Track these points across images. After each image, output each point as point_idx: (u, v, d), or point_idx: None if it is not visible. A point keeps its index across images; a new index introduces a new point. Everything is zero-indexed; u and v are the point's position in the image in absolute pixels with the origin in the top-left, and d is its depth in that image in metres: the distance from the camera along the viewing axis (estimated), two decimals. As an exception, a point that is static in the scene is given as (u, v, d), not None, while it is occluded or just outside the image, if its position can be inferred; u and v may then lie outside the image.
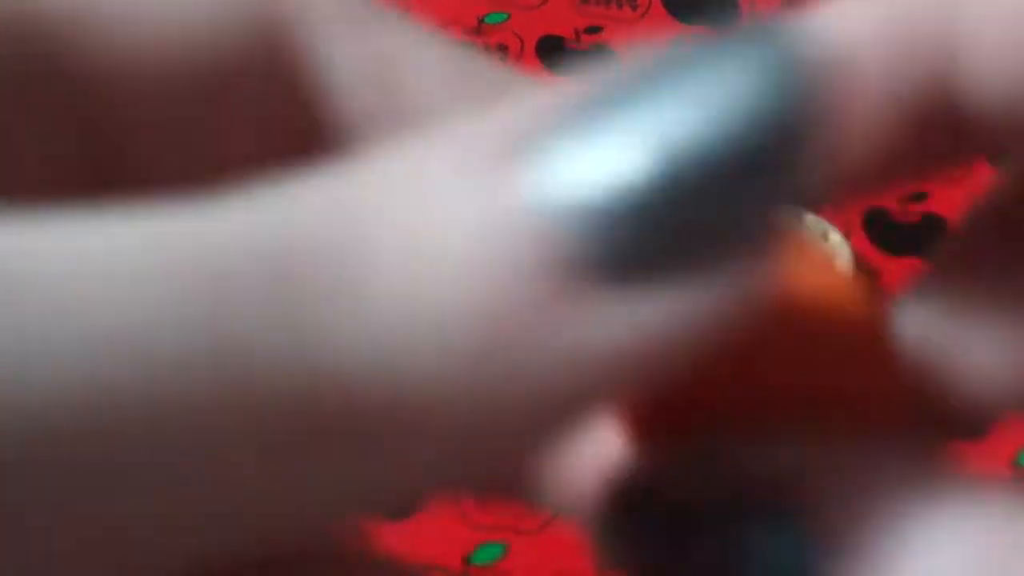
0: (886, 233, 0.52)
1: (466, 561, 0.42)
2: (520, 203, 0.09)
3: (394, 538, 0.42)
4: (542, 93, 0.10)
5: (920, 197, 0.54)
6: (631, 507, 0.12)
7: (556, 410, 0.09)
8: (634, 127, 0.10)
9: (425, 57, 0.13)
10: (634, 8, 0.59)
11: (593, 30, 0.58)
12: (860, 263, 0.50)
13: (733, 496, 0.11)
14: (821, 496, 0.11)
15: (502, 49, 0.56)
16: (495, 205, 0.09)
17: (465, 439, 0.09)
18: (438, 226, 0.09)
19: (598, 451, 0.14)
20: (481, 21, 0.57)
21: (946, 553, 0.11)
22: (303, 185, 0.09)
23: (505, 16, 0.58)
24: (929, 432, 0.14)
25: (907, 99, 0.13)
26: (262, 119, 0.13)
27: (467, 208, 0.09)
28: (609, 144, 0.09)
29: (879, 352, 0.13)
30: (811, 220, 0.50)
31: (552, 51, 0.57)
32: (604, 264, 0.09)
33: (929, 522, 0.11)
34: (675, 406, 0.13)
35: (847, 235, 0.51)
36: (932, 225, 0.53)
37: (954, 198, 0.54)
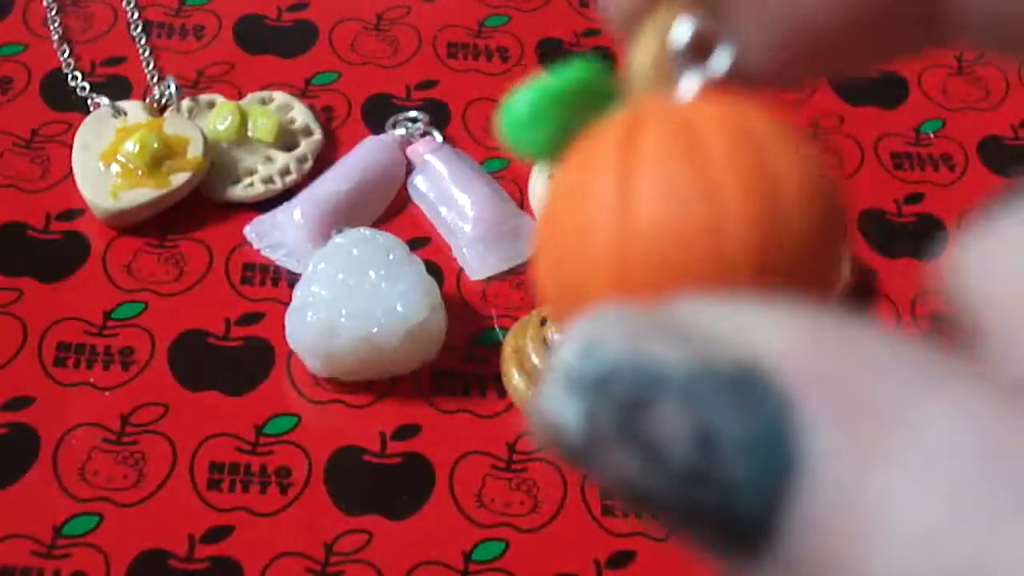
0: (883, 235, 0.52)
1: (466, 557, 0.43)
2: None
3: (395, 534, 0.43)
4: None
5: (916, 198, 0.54)
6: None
7: None
8: None
9: None
10: (633, 11, 0.59)
11: (592, 33, 0.58)
12: (857, 265, 0.51)
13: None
14: (817, 374, 0.11)
15: (502, 51, 0.57)
16: None
17: None
18: None
19: None
20: (481, 24, 0.58)
21: (944, 434, 0.10)
22: None
23: (505, 19, 0.58)
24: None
25: None
26: None
27: None
28: None
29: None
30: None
31: (552, 53, 0.57)
32: None
33: (927, 403, 0.11)
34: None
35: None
36: (929, 226, 0.53)
37: (951, 199, 0.54)
